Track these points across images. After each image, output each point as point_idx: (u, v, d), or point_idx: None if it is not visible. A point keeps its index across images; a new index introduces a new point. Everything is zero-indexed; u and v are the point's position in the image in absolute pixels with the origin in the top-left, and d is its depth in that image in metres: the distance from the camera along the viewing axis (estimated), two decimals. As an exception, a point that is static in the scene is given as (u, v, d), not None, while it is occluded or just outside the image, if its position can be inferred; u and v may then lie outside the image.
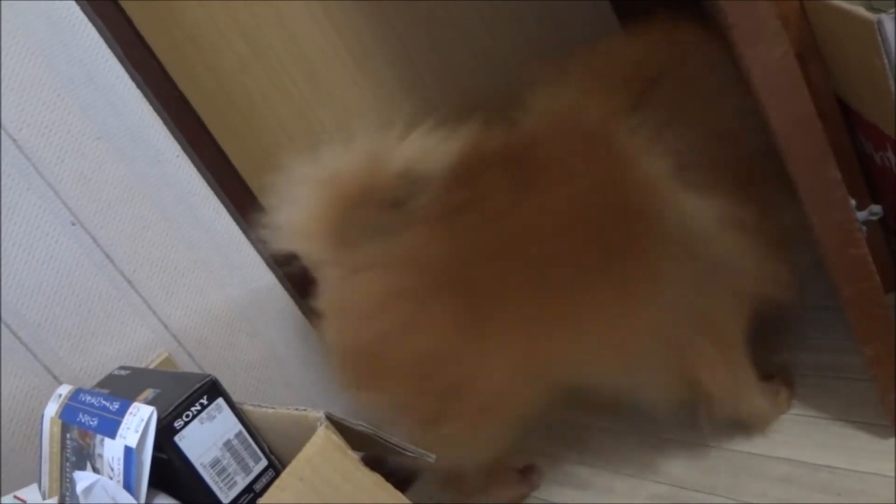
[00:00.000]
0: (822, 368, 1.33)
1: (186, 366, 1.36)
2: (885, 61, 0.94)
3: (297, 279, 1.49)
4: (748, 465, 1.23)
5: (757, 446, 1.25)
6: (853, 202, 0.97)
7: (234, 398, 0.90)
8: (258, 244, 1.43)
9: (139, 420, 0.80)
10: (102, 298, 1.29)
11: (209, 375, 0.85)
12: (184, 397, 0.83)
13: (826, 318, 1.42)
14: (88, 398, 0.92)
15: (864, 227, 0.98)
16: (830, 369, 1.32)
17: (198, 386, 0.84)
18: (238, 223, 1.42)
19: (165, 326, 1.35)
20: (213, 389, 0.85)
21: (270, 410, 0.85)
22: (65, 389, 0.99)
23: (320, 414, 0.77)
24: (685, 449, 1.34)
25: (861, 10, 0.96)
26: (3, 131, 1.21)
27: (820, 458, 1.17)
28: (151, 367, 1.30)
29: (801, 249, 1.15)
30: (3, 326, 1.20)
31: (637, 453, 1.38)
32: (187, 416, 0.82)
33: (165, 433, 0.81)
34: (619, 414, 1.47)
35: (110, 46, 1.29)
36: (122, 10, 1.31)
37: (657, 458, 1.35)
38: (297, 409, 0.81)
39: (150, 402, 0.85)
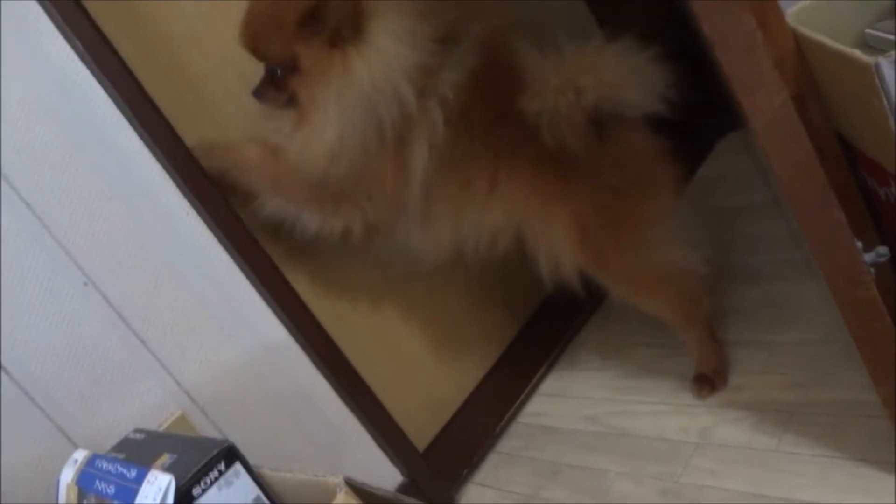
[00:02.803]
0: (838, 405, 1.32)
1: (200, 423, 1.36)
2: (885, 102, 0.95)
3: (309, 332, 1.50)
4: (768, 510, 1.23)
5: (776, 489, 1.24)
6: (859, 244, 0.97)
7: (249, 455, 0.90)
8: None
9: (157, 489, 0.80)
10: (115, 358, 1.29)
11: (226, 440, 0.85)
12: (202, 464, 0.83)
13: (837, 353, 1.42)
14: (105, 464, 0.92)
15: (871, 270, 0.98)
16: (846, 406, 1.31)
17: (216, 452, 0.84)
18: (248, 278, 1.43)
19: (178, 384, 1.35)
20: (230, 454, 0.85)
21: (289, 475, 0.85)
22: (81, 454, 0.99)
23: (339, 479, 0.76)
24: (702, 494, 1.33)
25: (858, 54, 0.97)
26: (16, 195, 1.23)
27: (842, 499, 1.16)
28: (165, 425, 1.30)
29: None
30: (17, 389, 1.20)
31: (659, 502, 1.37)
32: (205, 482, 0.82)
33: (184, 501, 0.81)
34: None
35: (119, 107, 1.31)
36: (130, 71, 1.33)
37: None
38: (315, 475, 0.81)
39: (167, 469, 0.85)
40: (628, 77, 1.32)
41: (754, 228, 1.90)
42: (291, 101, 1.40)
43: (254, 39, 1.39)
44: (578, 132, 1.31)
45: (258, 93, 1.43)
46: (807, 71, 1.14)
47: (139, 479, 0.83)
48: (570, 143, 1.32)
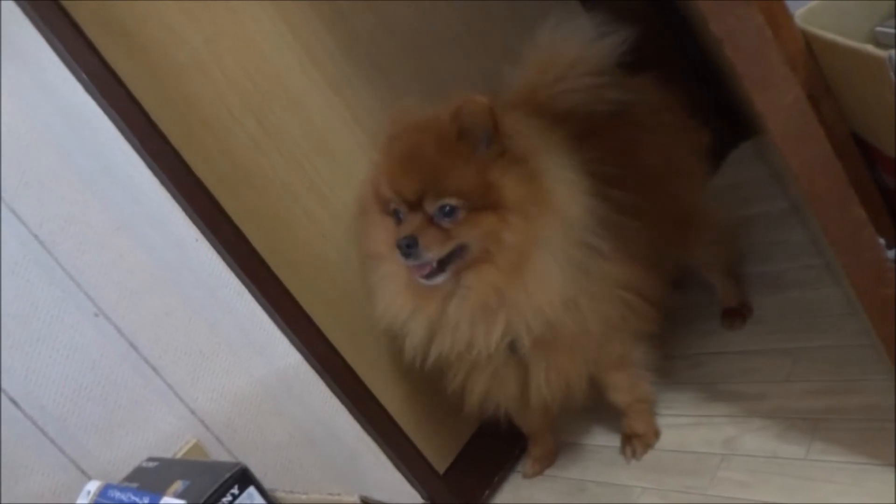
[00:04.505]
0: (867, 410, 1.29)
1: (215, 451, 1.34)
2: (900, 96, 0.93)
3: (323, 356, 1.48)
4: (801, 520, 1.19)
5: (809, 497, 1.20)
6: (882, 241, 0.95)
7: (265, 482, 0.88)
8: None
9: (170, 516, 0.78)
10: (128, 388, 1.28)
11: (239, 464, 0.83)
12: (214, 488, 0.81)
13: (862, 358, 1.39)
14: (118, 494, 0.90)
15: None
16: (875, 411, 1.27)
17: (228, 476, 0.82)
18: (260, 303, 1.42)
19: (192, 412, 1.34)
20: (243, 478, 0.83)
21: (303, 496, 0.83)
22: (93, 486, 0.97)
23: (355, 498, 0.74)
24: (732, 505, 1.29)
25: (870, 48, 0.95)
26: (24, 227, 1.22)
27: (876, 506, 1.13)
28: (180, 454, 1.28)
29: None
30: (29, 422, 1.19)
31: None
32: (218, 507, 0.80)
33: (197, 527, 0.79)
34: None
35: (126, 136, 1.31)
36: (136, 101, 1.34)
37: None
38: (330, 495, 0.79)
39: (180, 495, 0.83)
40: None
41: (771, 236, 1.87)
42: (459, 254, 1.23)
43: (431, 175, 1.21)
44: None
45: (414, 243, 1.19)
46: (818, 71, 1.12)
47: (152, 507, 0.81)
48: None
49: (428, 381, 1.63)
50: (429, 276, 1.22)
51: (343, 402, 1.50)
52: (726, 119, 2.13)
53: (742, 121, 2.18)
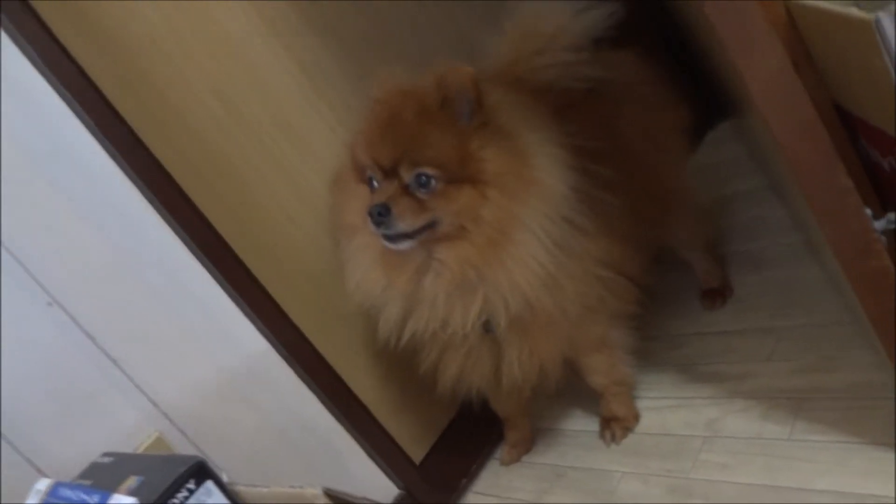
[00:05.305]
0: (851, 389, 1.26)
1: (180, 444, 1.29)
2: (887, 61, 0.89)
3: (292, 344, 1.43)
4: (786, 501, 1.15)
5: (793, 479, 1.17)
6: (869, 211, 0.91)
7: (233, 475, 0.84)
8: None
9: (120, 514, 0.73)
10: (85, 381, 1.22)
11: (195, 457, 0.78)
12: (168, 484, 0.76)
13: (845, 335, 1.36)
14: (68, 492, 0.85)
15: (883, 238, 0.92)
16: (859, 389, 1.25)
17: (183, 470, 0.77)
18: (224, 288, 1.36)
19: (155, 404, 1.28)
20: (200, 472, 0.78)
21: (265, 489, 0.78)
22: (43, 484, 0.91)
23: (318, 490, 0.69)
24: (715, 489, 1.26)
25: (855, 11, 0.91)
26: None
27: (862, 487, 1.09)
28: (142, 448, 1.23)
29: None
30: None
31: (670, 500, 1.30)
32: (173, 503, 0.75)
33: (151, 525, 0.74)
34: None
35: (78, 116, 1.25)
36: (89, 79, 1.27)
37: (689, 503, 1.27)
38: (292, 487, 0.74)
39: (133, 492, 0.78)
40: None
41: (751, 215, 1.85)
42: (431, 228, 1.18)
43: (409, 143, 1.17)
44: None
45: (386, 211, 1.14)
46: (798, 38, 1.09)
47: (102, 505, 0.76)
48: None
49: (402, 367, 1.58)
50: (394, 239, 1.17)
51: (313, 391, 1.45)
52: (704, 100, 2.10)
53: (720, 102, 2.15)
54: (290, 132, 1.55)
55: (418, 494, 1.55)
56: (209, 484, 0.78)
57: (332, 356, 1.49)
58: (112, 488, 0.79)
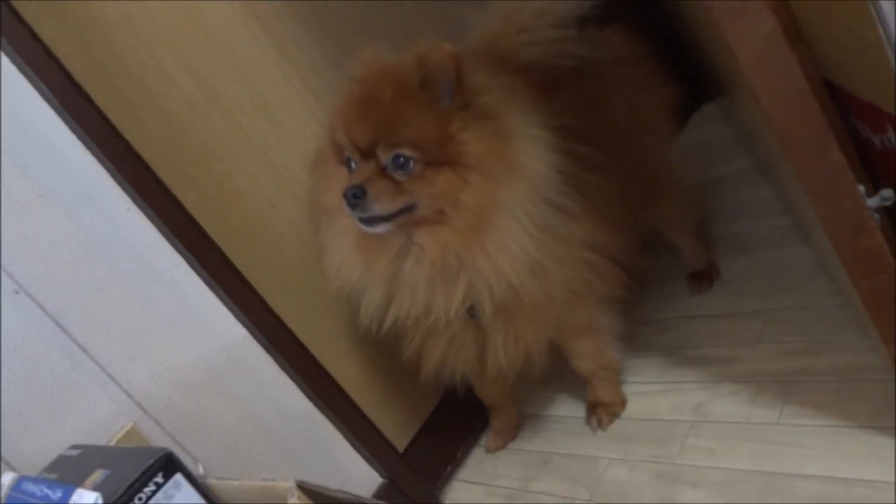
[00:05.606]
0: (840, 371, 1.24)
1: (155, 435, 1.25)
2: (881, 32, 0.86)
3: (271, 330, 1.39)
4: (775, 487, 1.13)
5: (782, 464, 1.15)
6: (862, 188, 0.88)
7: (211, 466, 0.81)
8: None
9: (83, 509, 0.69)
10: (55, 371, 1.18)
11: (163, 449, 0.75)
12: (135, 477, 0.72)
13: (834, 317, 1.34)
14: (31, 487, 0.81)
15: (876, 215, 0.90)
16: (849, 371, 1.23)
17: (150, 463, 0.73)
18: (200, 275, 1.32)
19: (128, 395, 1.24)
20: (169, 465, 0.74)
21: (236, 483, 0.75)
22: (8, 478, 0.88)
23: (291, 483, 0.66)
24: (702, 474, 1.24)
25: (848, -19, 0.89)
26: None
27: (852, 471, 1.07)
28: (115, 440, 1.18)
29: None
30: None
31: (656, 486, 1.28)
32: (141, 497, 0.72)
33: (117, 520, 0.70)
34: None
35: (45, 97, 1.20)
36: (56, 58, 1.22)
37: (675, 489, 1.25)
38: (265, 480, 0.71)
39: (98, 486, 0.74)
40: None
41: (738, 196, 1.82)
42: (409, 211, 1.14)
43: (387, 123, 1.13)
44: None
45: (362, 193, 1.11)
46: (787, 11, 1.06)
47: (64, 500, 0.72)
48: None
49: (385, 354, 1.55)
50: (369, 222, 1.14)
51: (294, 380, 1.42)
52: (689, 81, 2.07)
53: (705, 82, 2.13)
54: (268, 115, 1.51)
55: (402, 482, 1.52)
56: (178, 477, 0.75)
57: (314, 344, 1.45)
58: (77, 482, 0.75)
